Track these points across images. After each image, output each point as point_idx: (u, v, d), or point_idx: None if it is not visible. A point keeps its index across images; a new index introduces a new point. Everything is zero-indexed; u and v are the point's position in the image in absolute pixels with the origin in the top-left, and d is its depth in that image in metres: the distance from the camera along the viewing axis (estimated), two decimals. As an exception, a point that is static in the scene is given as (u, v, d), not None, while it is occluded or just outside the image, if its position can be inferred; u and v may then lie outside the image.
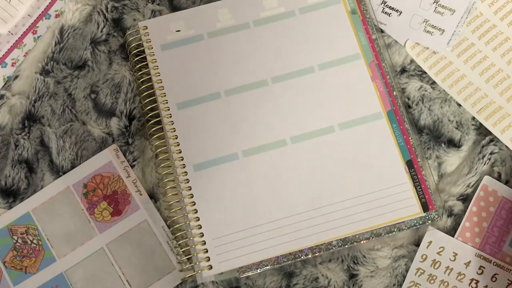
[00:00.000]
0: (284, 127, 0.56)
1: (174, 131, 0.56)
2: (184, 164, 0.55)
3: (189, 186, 0.54)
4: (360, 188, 0.54)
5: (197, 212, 0.53)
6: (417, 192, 0.54)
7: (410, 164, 0.55)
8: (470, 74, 0.59)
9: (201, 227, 0.53)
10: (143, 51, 0.59)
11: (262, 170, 0.55)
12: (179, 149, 0.55)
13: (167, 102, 0.57)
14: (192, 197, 0.54)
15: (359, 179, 0.54)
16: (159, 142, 0.56)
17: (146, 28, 0.59)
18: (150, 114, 0.57)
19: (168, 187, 0.55)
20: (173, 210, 0.54)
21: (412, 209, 0.54)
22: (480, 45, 0.60)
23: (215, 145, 0.55)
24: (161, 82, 0.57)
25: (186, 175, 0.54)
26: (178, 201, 0.54)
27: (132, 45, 0.60)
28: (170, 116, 0.56)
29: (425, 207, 0.54)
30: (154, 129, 0.57)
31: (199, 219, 0.53)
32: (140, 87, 0.58)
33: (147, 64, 0.59)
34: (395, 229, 0.53)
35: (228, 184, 0.54)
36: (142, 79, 0.58)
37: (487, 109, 0.58)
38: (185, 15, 0.60)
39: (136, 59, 0.59)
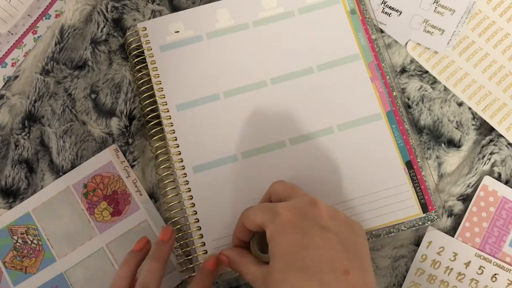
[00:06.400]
0: (283, 128, 0.56)
1: (174, 132, 0.56)
2: (183, 166, 0.55)
3: (189, 188, 0.54)
4: (359, 189, 0.54)
5: (196, 213, 0.53)
6: (416, 193, 0.54)
7: (409, 165, 0.55)
8: (472, 72, 0.59)
9: (200, 228, 0.53)
10: (143, 52, 0.59)
11: (262, 171, 0.55)
12: (179, 151, 0.55)
13: (166, 104, 0.57)
14: (191, 198, 0.54)
15: (358, 180, 0.54)
16: (159, 143, 0.56)
17: (145, 29, 0.59)
18: (150, 116, 0.57)
19: (168, 188, 0.55)
20: (173, 211, 0.54)
21: (411, 210, 0.54)
22: (481, 43, 0.60)
23: (214, 147, 0.55)
24: (161, 83, 0.57)
25: (185, 176, 0.54)
26: (178, 202, 0.54)
27: (132, 46, 0.60)
28: (170, 118, 0.56)
29: (424, 208, 0.54)
30: (154, 130, 0.57)
31: (198, 221, 0.53)
32: (140, 88, 0.58)
33: (147, 65, 0.58)
34: (395, 230, 0.53)
35: (228, 185, 0.54)
36: (142, 80, 0.58)
37: (491, 106, 0.58)
38: (184, 16, 0.60)
39: (136, 60, 0.59)
